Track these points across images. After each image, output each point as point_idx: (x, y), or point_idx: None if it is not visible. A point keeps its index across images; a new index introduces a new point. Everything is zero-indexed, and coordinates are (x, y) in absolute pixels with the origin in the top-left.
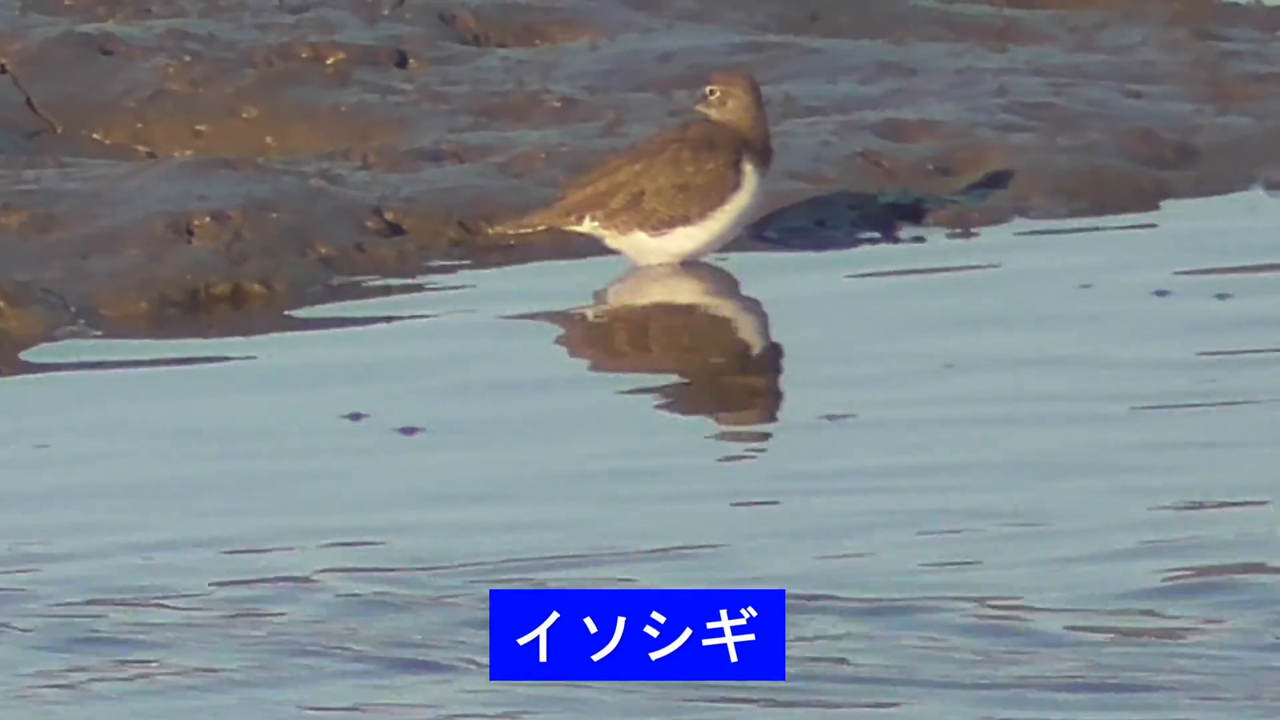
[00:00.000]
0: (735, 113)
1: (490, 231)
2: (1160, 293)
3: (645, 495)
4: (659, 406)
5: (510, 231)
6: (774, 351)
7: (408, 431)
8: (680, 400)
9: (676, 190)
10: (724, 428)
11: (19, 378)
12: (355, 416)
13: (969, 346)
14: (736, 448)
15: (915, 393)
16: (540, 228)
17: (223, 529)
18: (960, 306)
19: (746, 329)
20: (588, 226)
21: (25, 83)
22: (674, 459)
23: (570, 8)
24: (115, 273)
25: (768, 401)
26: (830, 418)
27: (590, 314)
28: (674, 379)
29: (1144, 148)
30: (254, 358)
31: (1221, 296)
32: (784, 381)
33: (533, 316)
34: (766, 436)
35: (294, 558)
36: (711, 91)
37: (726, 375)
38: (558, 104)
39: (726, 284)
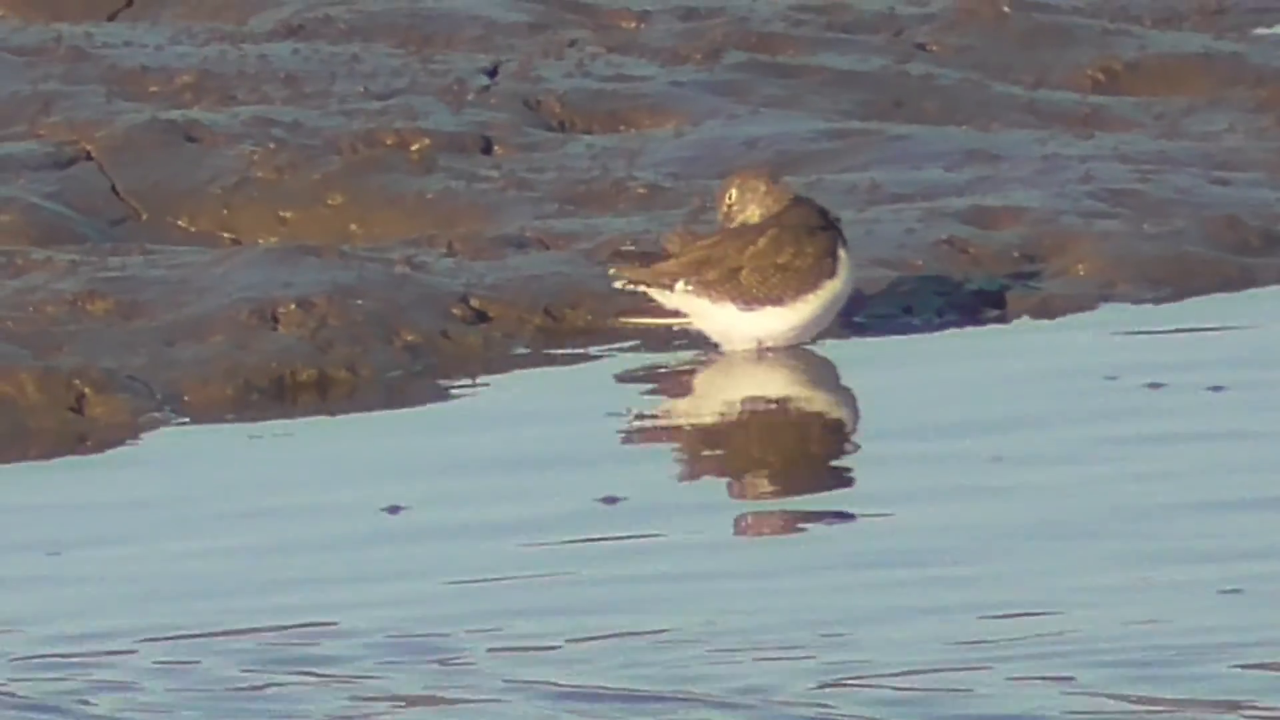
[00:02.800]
0: (763, 206)
1: (600, 264)
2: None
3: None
4: (742, 497)
5: (613, 275)
6: (854, 443)
7: (393, 510)
8: (765, 489)
9: (775, 270)
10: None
11: (102, 456)
12: (394, 509)
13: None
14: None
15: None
16: (636, 286)
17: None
18: (1036, 398)
19: (833, 424)
20: (679, 293)
21: (111, 170)
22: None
23: (655, 94)
24: (201, 360)
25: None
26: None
27: (677, 405)
28: (761, 471)
29: (1229, 234)
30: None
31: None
32: (864, 471)
33: (616, 413)
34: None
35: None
36: (729, 195)
37: (806, 466)
38: (643, 190)
39: (810, 374)
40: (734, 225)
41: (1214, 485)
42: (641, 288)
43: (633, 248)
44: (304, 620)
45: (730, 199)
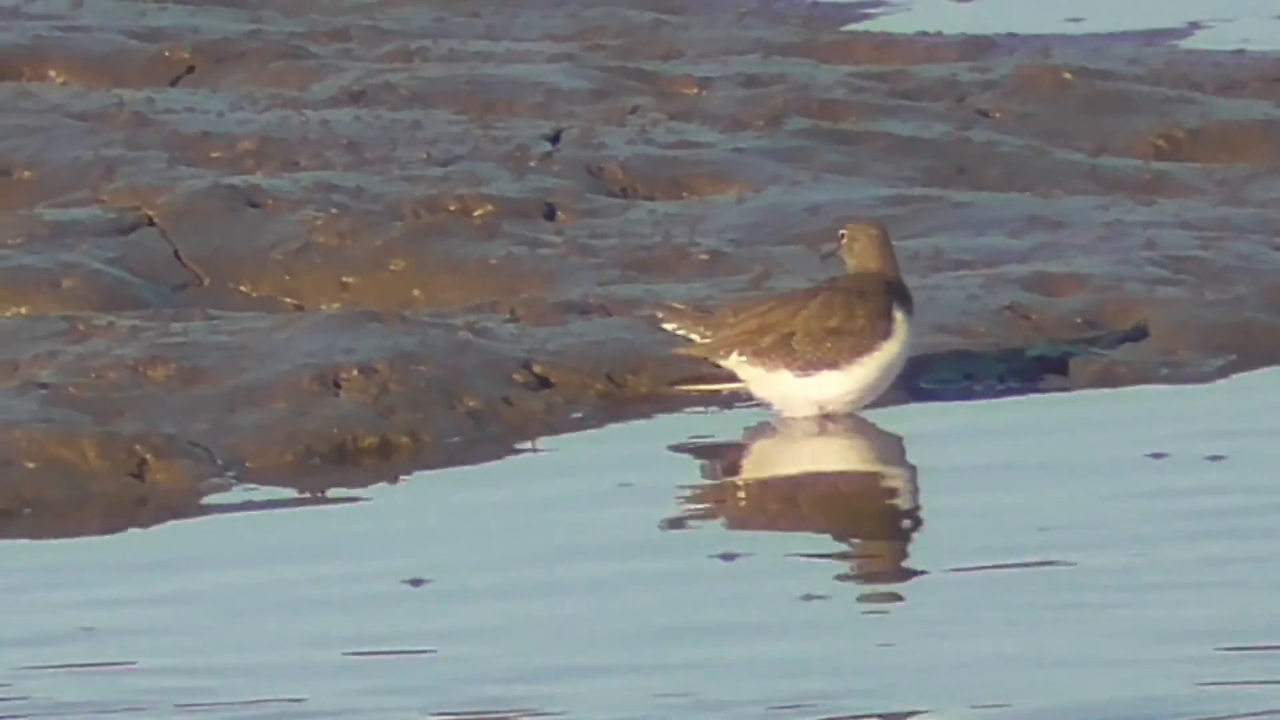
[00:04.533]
0: (864, 255)
1: (650, 313)
2: None
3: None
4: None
5: (666, 323)
6: (914, 516)
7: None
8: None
9: (827, 334)
10: (862, 587)
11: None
12: (416, 582)
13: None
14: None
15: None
16: (693, 355)
17: None
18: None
19: (888, 497)
20: (734, 362)
21: (173, 235)
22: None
23: (717, 160)
24: (262, 426)
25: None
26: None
27: (737, 478)
28: (820, 546)
29: None
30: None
31: None
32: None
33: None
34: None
35: None
36: (842, 235)
37: (863, 540)
38: (705, 257)
39: (871, 440)
40: (847, 267)
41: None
42: (697, 355)
43: (679, 306)
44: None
45: (841, 239)
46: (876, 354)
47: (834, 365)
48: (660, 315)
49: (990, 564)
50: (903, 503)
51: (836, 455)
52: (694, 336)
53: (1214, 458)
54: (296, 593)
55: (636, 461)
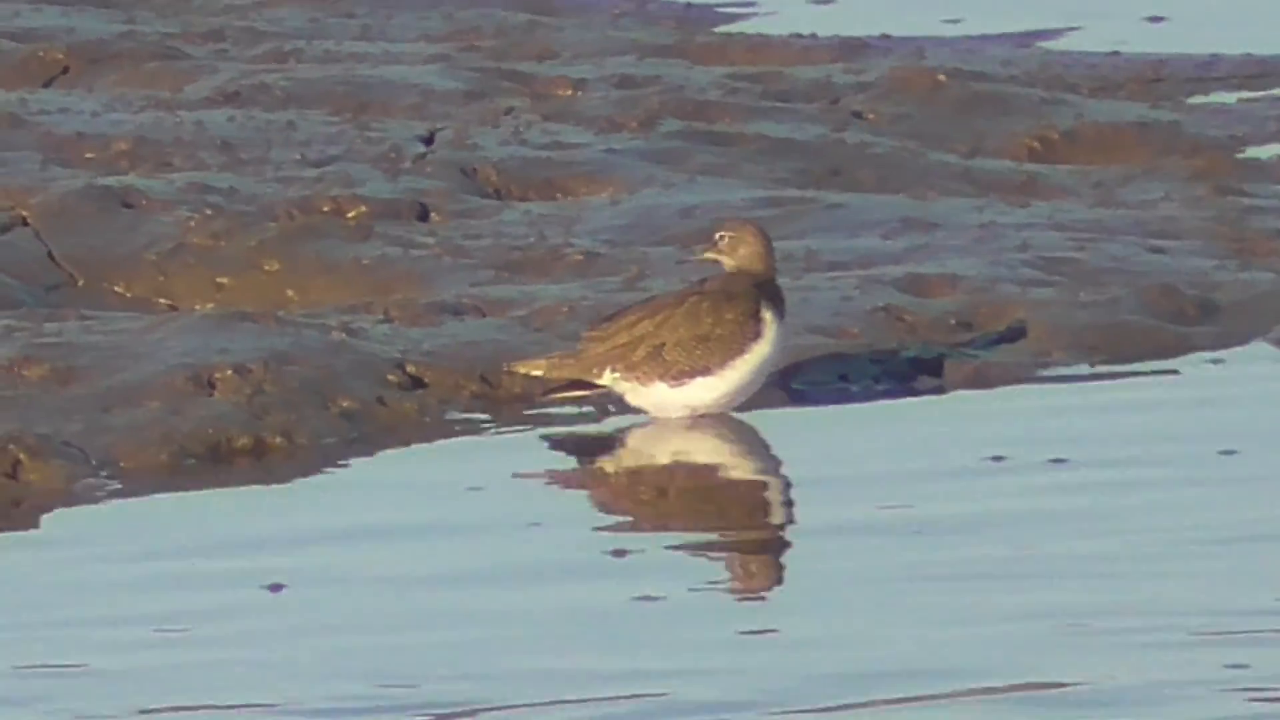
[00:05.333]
0: (748, 258)
1: (511, 371)
2: None
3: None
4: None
5: (531, 373)
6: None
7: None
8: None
9: (696, 341)
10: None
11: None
12: (276, 588)
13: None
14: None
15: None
16: (563, 379)
17: None
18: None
19: (757, 488)
20: (609, 379)
21: (47, 235)
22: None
23: (591, 162)
24: (136, 426)
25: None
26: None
27: (608, 470)
28: (693, 538)
29: (1166, 303)
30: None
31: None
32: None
33: (549, 475)
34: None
35: None
36: (721, 237)
37: (736, 533)
38: (579, 258)
39: (737, 438)
40: (726, 269)
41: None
42: (569, 379)
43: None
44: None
45: (720, 241)
46: (747, 356)
47: (706, 371)
48: (526, 371)
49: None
50: (767, 500)
51: (705, 450)
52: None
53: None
54: (151, 594)
55: (508, 457)
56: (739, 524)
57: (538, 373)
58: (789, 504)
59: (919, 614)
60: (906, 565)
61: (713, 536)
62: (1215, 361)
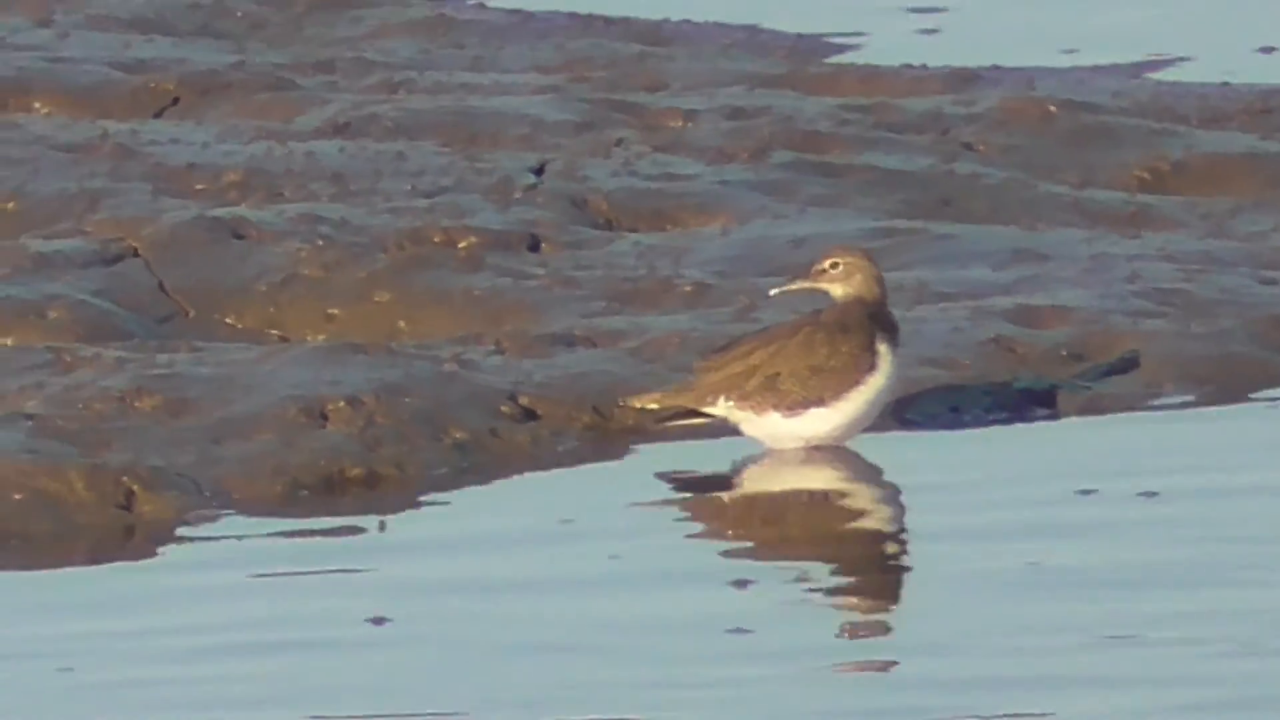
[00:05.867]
0: (861, 285)
1: (625, 405)
2: None
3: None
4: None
5: (645, 406)
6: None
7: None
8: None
9: (811, 372)
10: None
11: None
12: (379, 621)
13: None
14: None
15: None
16: (677, 409)
17: None
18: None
19: (874, 516)
20: (722, 408)
21: (158, 267)
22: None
23: (702, 192)
24: (248, 457)
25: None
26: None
27: (725, 500)
28: (810, 567)
29: (1276, 334)
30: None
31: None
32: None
33: (666, 502)
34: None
35: None
36: (834, 265)
37: (854, 562)
38: (689, 289)
39: (855, 468)
40: (835, 297)
41: None
42: (685, 409)
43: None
44: None
45: (832, 269)
46: (862, 388)
47: (821, 402)
48: (642, 405)
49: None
50: (887, 527)
51: (821, 478)
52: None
53: (1147, 494)
54: (256, 632)
55: (623, 490)
56: (854, 553)
57: (653, 405)
58: (901, 532)
59: None
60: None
61: (832, 565)
62: None
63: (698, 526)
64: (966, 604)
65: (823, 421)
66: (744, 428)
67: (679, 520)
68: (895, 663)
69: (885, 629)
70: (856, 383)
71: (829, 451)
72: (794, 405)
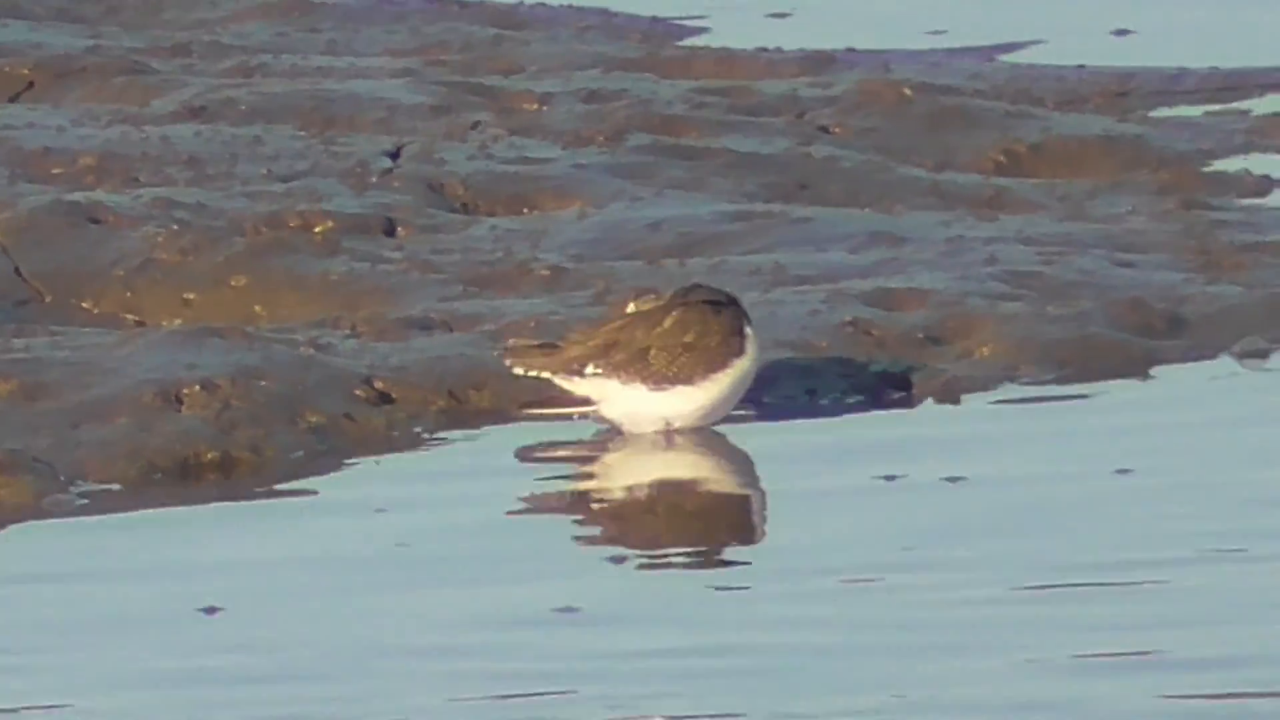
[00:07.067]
0: None
1: (496, 355)
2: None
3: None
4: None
5: (516, 368)
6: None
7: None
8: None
9: (682, 349)
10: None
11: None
12: (210, 610)
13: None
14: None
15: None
16: (543, 374)
17: None
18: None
19: (736, 505)
20: (589, 374)
21: (14, 251)
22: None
23: (559, 176)
24: (105, 441)
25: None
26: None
27: (580, 489)
28: (669, 552)
29: (1134, 317)
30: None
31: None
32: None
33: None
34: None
35: None
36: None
37: (714, 546)
38: (547, 272)
39: (713, 456)
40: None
41: None
42: (546, 375)
43: (527, 341)
44: None
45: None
46: (730, 370)
47: (688, 380)
48: (509, 362)
49: None
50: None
51: (681, 465)
52: (545, 375)
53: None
54: (100, 612)
55: (480, 477)
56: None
57: (533, 373)
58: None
59: None
60: None
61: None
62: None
63: (549, 509)
64: None
65: (687, 400)
66: (604, 409)
67: (523, 501)
68: None
69: None
70: (725, 364)
71: (687, 435)
72: (660, 381)
